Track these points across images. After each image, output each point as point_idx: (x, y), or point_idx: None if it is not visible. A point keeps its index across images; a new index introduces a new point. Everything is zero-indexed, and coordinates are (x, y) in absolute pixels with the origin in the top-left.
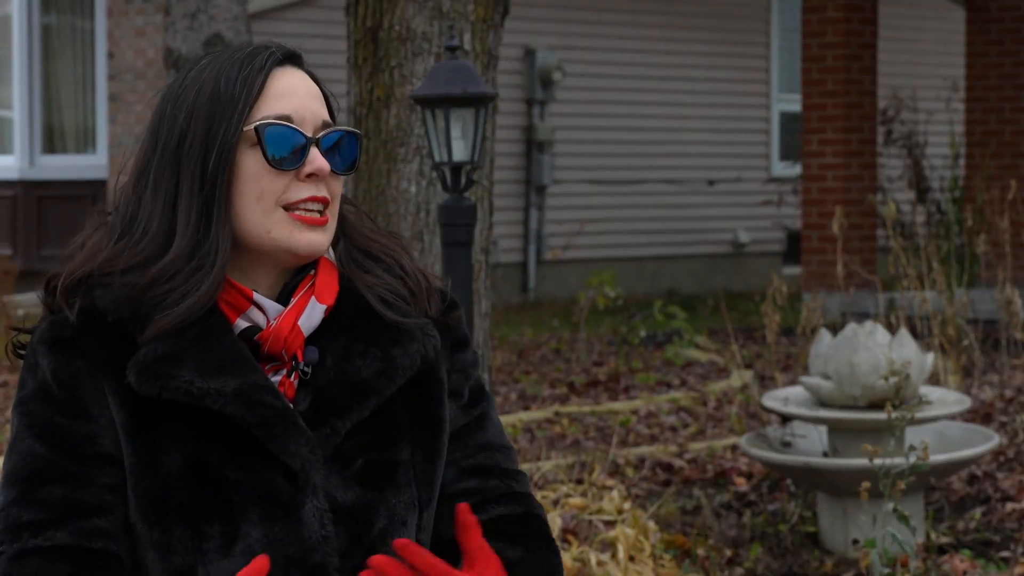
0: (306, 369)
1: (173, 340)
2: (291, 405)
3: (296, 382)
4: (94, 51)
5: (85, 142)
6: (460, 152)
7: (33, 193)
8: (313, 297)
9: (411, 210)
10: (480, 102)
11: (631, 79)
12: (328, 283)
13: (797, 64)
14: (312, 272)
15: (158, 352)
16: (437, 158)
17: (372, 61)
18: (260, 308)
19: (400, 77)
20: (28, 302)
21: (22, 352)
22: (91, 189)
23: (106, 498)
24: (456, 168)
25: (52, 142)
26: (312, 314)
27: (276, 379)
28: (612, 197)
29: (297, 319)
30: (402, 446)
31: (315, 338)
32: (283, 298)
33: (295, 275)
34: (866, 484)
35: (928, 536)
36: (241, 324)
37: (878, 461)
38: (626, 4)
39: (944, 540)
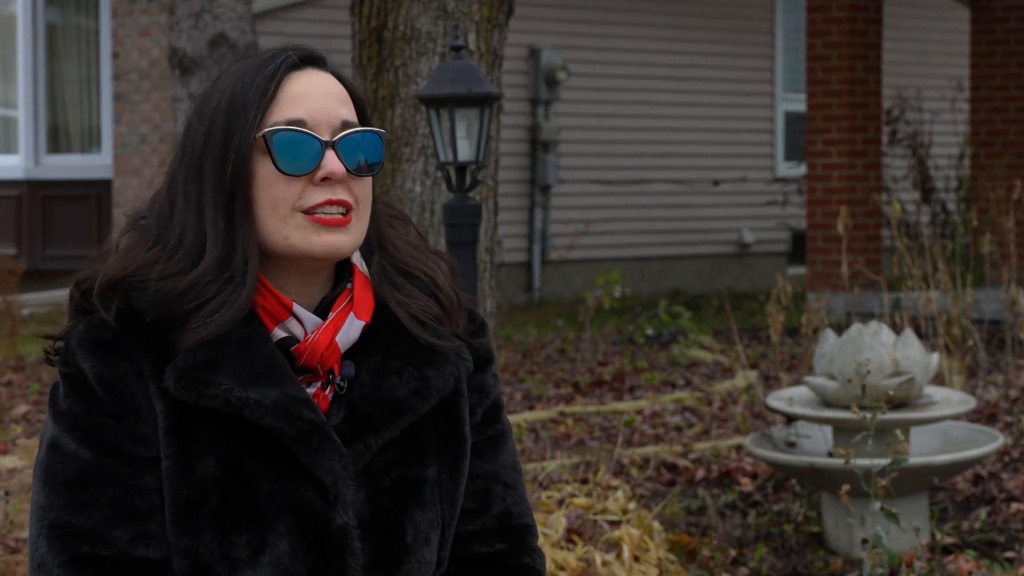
0: (342, 384)
1: (213, 346)
2: (326, 419)
3: (330, 395)
4: (99, 50)
5: (90, 142)
6: (465, 152)
7: (38, 193)
8: (352, 313)
9: (416, 210)
10: (485, 102)
11: (636, 79)
12: (365, 299)
13: (802, 64)
14: (349, 286)
15: (198, 358)
16: (442, 158)
17: (377, 61)
18: (299, 319)
19: (405, 77)
20: (33, 302)
21: (53, 358)
22: (96, 189)
23: (156, 501)
24: (461, 168)
25: (57, 142)
26: (350, 330)
27: (311, 391)
28: (617, 197)
29: (335, 335)
30: (430, 464)
31: (350, 353)
32: (321, 311)
33: (333, 288)
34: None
35: (933, 536)
36: (279, 334)
37: (880, 460)
38: (631, 4)
39: (949, 540)
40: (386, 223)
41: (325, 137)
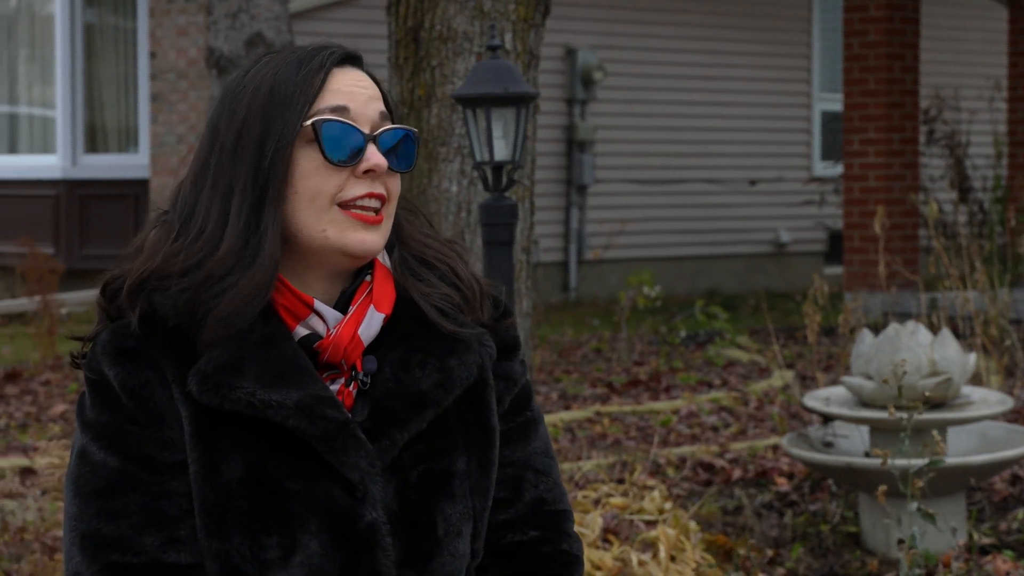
0: (365, 379)
1: (234, 347)
2: (350, 416)
3: (354, 391)
4: (136, 50)
5: (127, 141)
6: (501, 151)
7: (75, 192)
8: (372, 306)
9: (452, 209)
10: (521, 101)
11: (672, 78)
12: (385, 291)
13: (839, 63)
14: (368, 279)
15: (219, 361)
16: (478, 157)
17: (413, 60)
18: (320, 316)
19: (441, 76)
20: (70, 301)
21: (79, 361)
22: (133, 188)
23: (185, 506)
24: (497, 167)
25: (94, 141)
26: (371, 323)
27: (334, 388)
28: (653, 197)
29: (357, 328)
30: (457, 456)
31: (372, 347)
32: (341, 305)
33: (352, 281)
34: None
35: (970, 537)
36: (300, 331)
37: (917, 461)
38: (668, 4)
39: (986, 541)
40: (403, 215)
41: (366, 131)
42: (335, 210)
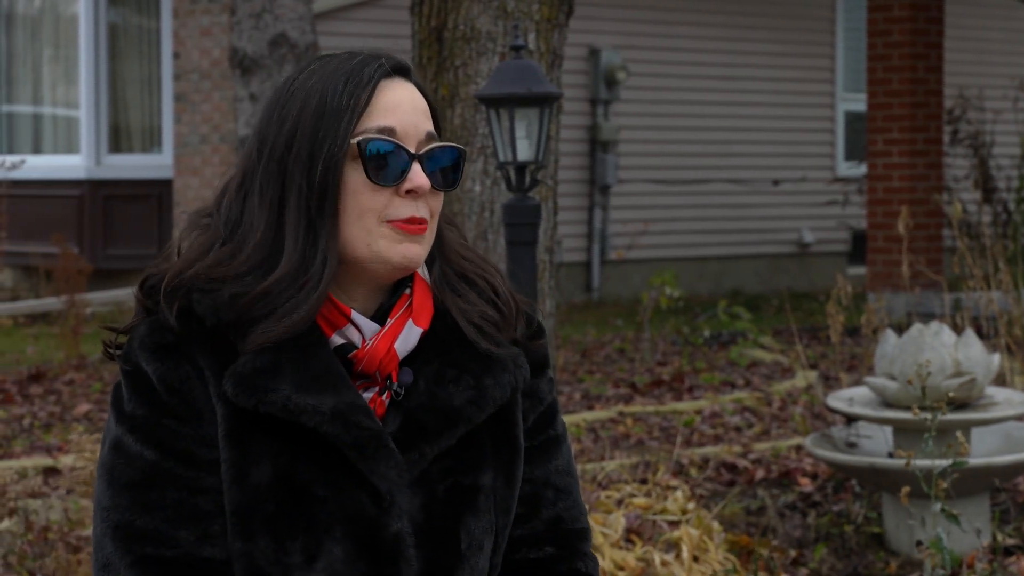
0: (399, 390)
1: (272, 352)
2: (382, 425)
3: (387, 401)
4: (160, 51)
5: (151, 142)
6: (524, 151)
7: (99, 192)
8: (410, 320)
9: (475, 209)
10: (545, 102)
11: (696, 79)
12: (424, 305)
13: (862, 63)
14: (408, 292)
15: (256, 364)
16: (502, 157)
17: (436, 60)
18: (356, 326)
19: (464, 76)
20: (94, 301)
21: (112, 352)
22: (157, 189)
23: (219, 503)
24: (520, 167)
25: (118, 141)
26: (408, 337)
27: (367, 396)
28: (676, 197)
29: (393, 342)
30: (485, 472)
31: (408, 359)
32: (379, 317)
33: (392, 294)
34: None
35: (994, 538)
36: (336, 340)
37: (941, 461)
38: (691, 4)
39: (1010, 541)
40: (443, 227)
41: (412, 149)
42: (384, 226)
